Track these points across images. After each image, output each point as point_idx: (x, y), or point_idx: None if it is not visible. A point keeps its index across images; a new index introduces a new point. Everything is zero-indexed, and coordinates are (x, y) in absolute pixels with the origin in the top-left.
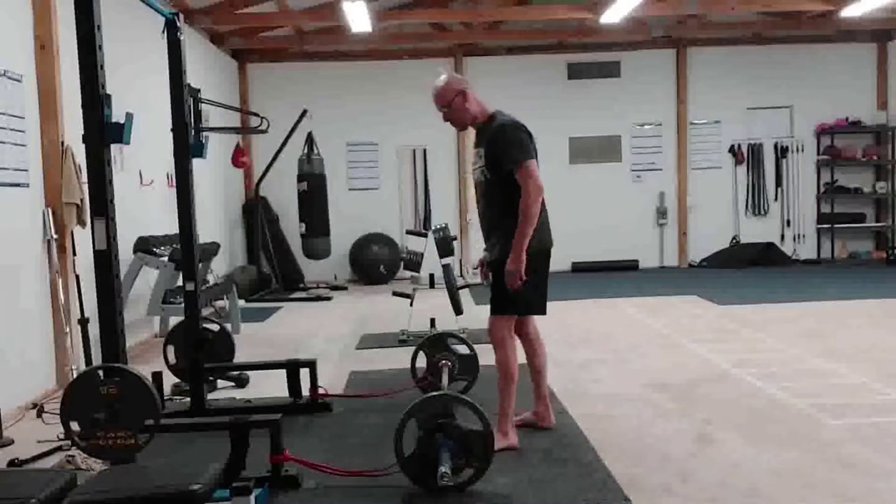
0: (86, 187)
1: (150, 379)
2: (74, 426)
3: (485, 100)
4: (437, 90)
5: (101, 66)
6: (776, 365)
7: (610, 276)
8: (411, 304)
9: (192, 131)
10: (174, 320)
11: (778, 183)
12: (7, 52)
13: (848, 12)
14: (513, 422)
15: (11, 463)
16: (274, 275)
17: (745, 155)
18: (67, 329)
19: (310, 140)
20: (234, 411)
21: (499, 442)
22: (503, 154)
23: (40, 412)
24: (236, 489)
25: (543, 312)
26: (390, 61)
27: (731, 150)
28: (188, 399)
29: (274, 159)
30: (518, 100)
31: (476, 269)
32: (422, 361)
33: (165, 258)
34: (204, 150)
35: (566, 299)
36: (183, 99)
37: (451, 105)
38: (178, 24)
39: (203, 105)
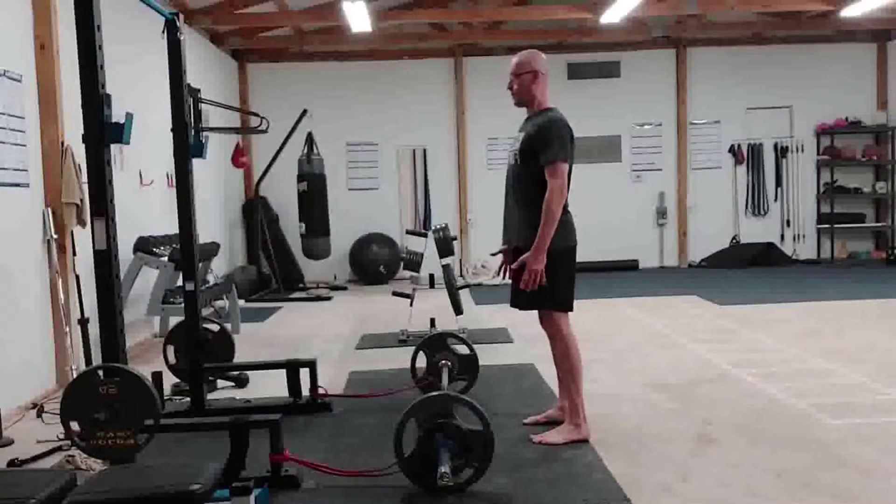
0: (86, 187)
1: (150, 379)
2: (74, 426)
3: (484, 99)
4: (519, 59)
5: (101, 66)
6: (776, 365)
7: (610, 276)
8: (411, 304)
9: (192, 131)
10: (174, 320)
11: (778, 183)
12: (7, 52)
13: (848, 12)
14: (585, 415)
15: (11, 463)
16: (274, 275)
17: (745, 155)
18: (67, 329)
19: (310, 140)
20: (234, 411)
21: (571, 434)
22: (542, 147)
23: (40, 412)
24: (236, 489)
25: (570, 308)
26: (390, 61)
27: (731, 150)
28: (188, 399)
29: (274, 159)
30: None
31: (495, 254)
32: (422, 361)
33: (165, 258)
34: (204, 150)
35: None
36: (183, 99)
37: (520, 77)
38: (178, 24)
39: (203, 105)
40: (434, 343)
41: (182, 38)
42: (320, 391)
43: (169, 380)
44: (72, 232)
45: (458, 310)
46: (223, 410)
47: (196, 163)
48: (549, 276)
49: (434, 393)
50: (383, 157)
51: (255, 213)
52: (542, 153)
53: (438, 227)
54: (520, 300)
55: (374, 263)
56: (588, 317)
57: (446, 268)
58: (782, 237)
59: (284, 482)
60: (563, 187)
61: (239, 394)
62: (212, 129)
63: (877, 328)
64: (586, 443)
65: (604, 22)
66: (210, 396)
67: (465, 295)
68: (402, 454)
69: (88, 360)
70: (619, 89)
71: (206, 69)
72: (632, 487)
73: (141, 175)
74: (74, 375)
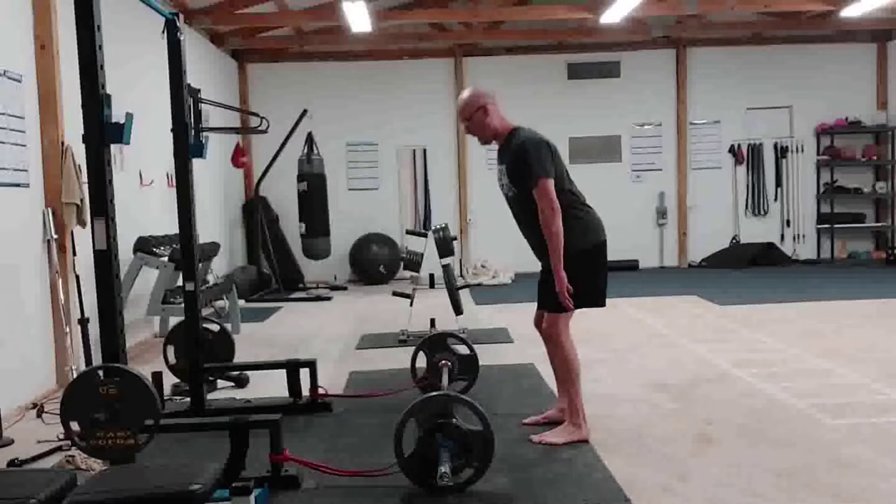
0: (86, 187)
1: (150, 379)
2: (74, 426)
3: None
4: (460, 104)
5: (101, 66)
6: (776, 365)
7: (610, 276)
8: (411, 304)
9: (192, 131)
10: (174, 320)
11: (778, 183)
12: (7, 52)
13: (848, 12)
14: (584, 415)
15: (11, 463)
16: (274, 275)
17: (745, 155)
18: (67, 329)
19: (310, 140)
20: (234, 411)
21: (571, 434)
22: (524, 172)
23: (40, 412)
24: (236, 489)
25: (599, 305)
26: (390, 61)
27: (731, 150)
28: (188, 399)
29: (274, 159)
30: (518, 100)
31: None
32: (422, 361)
33: (165, 258)
34: (204, 150)
35: None
36: (183, 99)
37: (472, 119)
38: (178, 24)
39: (203, 105)
40: (434, 343)
41: (182, 38)
42: (320, 391)
43: (169, 380)
44: (72, 232)
45: (458, 310)
46: (223, 410)
47: (196, 163)
48: (569, 280)
49: (434, 393)
50: (383, 157)
51: (255, 213)
52: (527, 179)
53: (438, 227)
54: (547, 303)
55: (374, 263)
56: (588, 317)
57: (446, 268)
58: (782, 237)
59: (284, 482)
60: (552, 204)
61: (239, 394)
62: (212, 130)
63: (877, 328)
64: (586, 443)
65: (604, 22)
66: (210, 396)
67: (465, 295)
68: (402, 454)
69: (88, 360)
70: (619, 89)
71: (206, 69)
72: (632, 487)
73: (141, 175)
74: (74, 375)
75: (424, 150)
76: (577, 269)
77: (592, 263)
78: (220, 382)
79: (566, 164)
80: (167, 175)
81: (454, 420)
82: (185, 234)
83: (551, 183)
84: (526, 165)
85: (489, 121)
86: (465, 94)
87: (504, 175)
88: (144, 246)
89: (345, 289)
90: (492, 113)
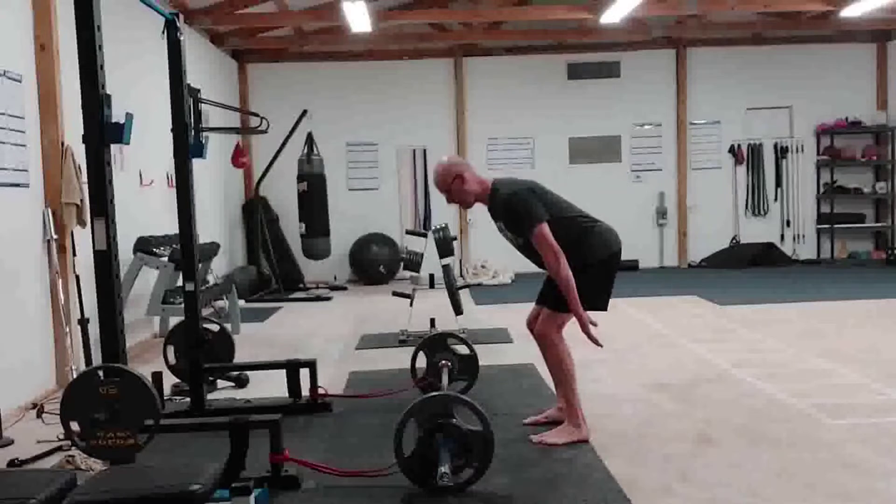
0: (86, 187)
1: (150, 379)
2: (74, 426)
3: (484, 99)
4: (437, 175)
5: (101, 66)
6: (776, 365)
7: None
8: (411, 304)
9: (192, 131)
10: (174, 320)
11: (778, 183)
12: (7, 52)
13: (847, 12)
14: (582, 415)
15: (11, 463)
16: (274, 275)
17: (745, 155)
18: (67, 329)
19: (310, 140)
20: (234, 411)
21: (571, 434)
22: (519, 227)
23: (40, 412)
24: (236, 489)
25: (600, 309)
26: (390, 61)
27: (731, 150)
28: (188, 399)
29: (274, 159)
30: (518, 100)
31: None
32: (422, 361)
33: (165, 258)
34: (204, 150)
35: None
36: (183, 99)
37: (451, 189)
38: (178, 24)
39: (203, 105)
40: (434, 343)
41: (182, 38)
42: (320, 391)
43: (169, 380)
44: (72, 232)
45: (458, 310)
46: (223, 410)
47: (196, 163)
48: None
49: (434, 393)
50: (383, 157)
51: (255, 213)
52: (524, 231)
53: (438, 227)
54: (549, 301)
55: (374, 263)
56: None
57: (446, 268)
58: (782, 237)
59: (284, 482)
60: (553, 248)
61: (239, 394)
62: (212, 130)
63: (877, 328)
64: (586, 443)
65: (604, 22)
66: (210, 396)
67: (465, 295)
68: (402, 454)
69: (88, 360)
70: (619, 89)
71: (206, 69)
72: (632, 487)
73: (141, 175)
74: (74, 375)
75: (424, 150)
76: (584, 276)
77: (600, 272)
78: (220, 382)
79: (566, 163)
80: (167, 175)
81: (454, 420)
82: (185, 234)
83: (546, 227)
84: (519, 219)
85: (467, 187)
86: (440, 165)
87: (504, 230)
88: (144, 246)
89: (345, 289)
90: (469, 180)
